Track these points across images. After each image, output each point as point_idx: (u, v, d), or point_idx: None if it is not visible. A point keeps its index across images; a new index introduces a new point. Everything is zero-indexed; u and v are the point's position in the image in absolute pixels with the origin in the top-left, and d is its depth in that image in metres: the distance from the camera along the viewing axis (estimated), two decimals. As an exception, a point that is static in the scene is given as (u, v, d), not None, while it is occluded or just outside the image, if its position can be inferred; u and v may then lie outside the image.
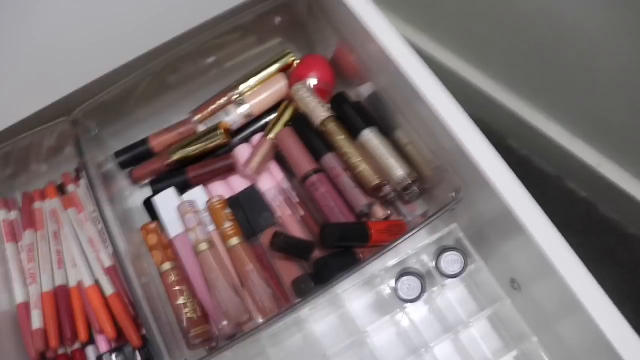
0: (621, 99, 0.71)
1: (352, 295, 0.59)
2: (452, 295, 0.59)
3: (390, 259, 0.56)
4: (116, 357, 0.58)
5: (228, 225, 0.58)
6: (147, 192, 0.68)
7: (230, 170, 0.64)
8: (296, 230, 0.60)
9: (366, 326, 0.54)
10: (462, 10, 0.85)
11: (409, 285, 0.52)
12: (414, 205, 0.61)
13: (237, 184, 0.65)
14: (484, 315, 0.55)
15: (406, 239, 0.52)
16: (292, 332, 0.60)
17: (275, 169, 0.65)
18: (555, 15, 0.72)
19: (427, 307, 0.60)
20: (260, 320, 0.56)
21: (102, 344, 0.60)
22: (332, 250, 0.56)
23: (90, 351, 0.60)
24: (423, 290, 0.52)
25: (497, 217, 0.50)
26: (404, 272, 0.53)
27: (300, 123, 0.63)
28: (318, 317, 0.60)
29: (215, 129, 0.64)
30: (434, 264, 0.54)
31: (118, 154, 0.67)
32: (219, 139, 0.64)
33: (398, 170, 0.58)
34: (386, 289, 0.57)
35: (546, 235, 0.45)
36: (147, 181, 0.67)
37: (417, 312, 0.59)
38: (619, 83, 0.70)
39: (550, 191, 0.86)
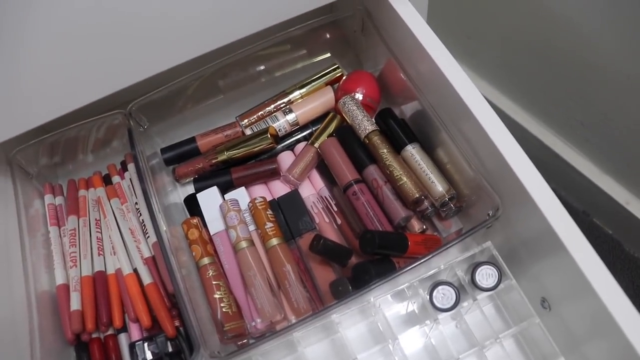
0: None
1: (383, 305, 0.60)
2: (480, 311, 0.59)
3: (423, 273, 0.58)
4: (149, 346, 0.59)
5: (269, 225, 0.60)
6: (187, 190, 0.71)
7: (272, 174, 0.66)
8: (333, 237, 0.62)
9: (395, 335, 0.55)
10: (501, 42, 0.87)
11: (444, 295, 0.54)
12: (449, 222, 0.63)
13: (277, 189, 0.67)
14: (512, 332, 0.56)
15: (443, 250, 0.53)
16: (320, 337, 0.61)
17: (315, 177, 0.67)
18: (591, 51, 0.74)
19: (454, 322, 0.61)
20: (294, 320, 0.57)
21: (135, 332, 0.61)
22: (369, 256, 0.58)
23: (123, 338, 0.61)
24: (458, 301, 0.53)
25: (535, 236, 0.51)
26: (440, 282, 0.54)
27: (345, 134, 0.65)
28: (348, 324, 0.61)
29: (264, 132, 0.66)
30: (468, 277, 0.56)
31: (164, 151, 0.70)
32: (266, 142, 0.66)
33: (438, 186, 0.59)
34: (417, 301, 0.59)
35: (586, 255, 0.46)
36: (189, 179, 0.69)
37: (445, 326, 0.60)
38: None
39: (576, 226, 0.87)
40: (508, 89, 0.89)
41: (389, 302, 0.61)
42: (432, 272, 0.57)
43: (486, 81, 0.92)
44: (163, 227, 0.59)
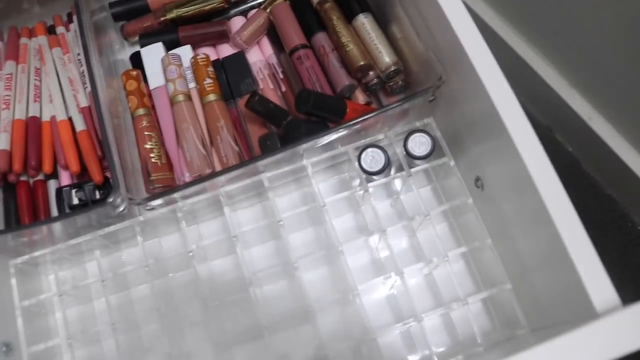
0: (622, 51, 0.70)
1: (317, 175, 0.59)
2: (416, 192, 0.58)
3: (359, 142, 0.56)
4: (76, 192, 0.58)
5: (209, 81, 0.58)
6: (136, 49, 0.68)
7: (221, 37, 0.63)
8: (275, 104, 0.60)
9: (324, 202, 0.54)
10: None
11: (373, 158, 0.52)
12: (395, 99, 0.61)
13: (225, 52, 0.64)
14: (442, 209, 0.55)
15: (380, 113, 0.51)
16: (251, 202, 0.61)
17: (265, 44, 0.64)
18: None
19: (389, 200, 0.60)
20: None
21: (65, 179, 0.60)
22: (306, 118, 0.56)
23: (52, 184, 0.60)
24: (387, 164, 0.52)
25: (480, 117, 0.49)
26: (369, 145, 0.52)
27: (298, 1, 0.63)
28: (280, 192, 0.60)
29: (214, -11, 0.63)
30: (403, 150, 0.54)
31: (113, 5, 0.67)
32: (217, 1, 0.63)
33: (385, 57, 0.57)
34: (351, 174, 0.57)
35: (525, 138, 0.43)
36: (137, 38, 0.67)
37: (378, 201, 0.59)
38: (624, 33, 0.69)
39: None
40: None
41: (323, 173, 0.60)
42: (368, 141, 0.55)
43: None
44: (97, 83, 0.56)
